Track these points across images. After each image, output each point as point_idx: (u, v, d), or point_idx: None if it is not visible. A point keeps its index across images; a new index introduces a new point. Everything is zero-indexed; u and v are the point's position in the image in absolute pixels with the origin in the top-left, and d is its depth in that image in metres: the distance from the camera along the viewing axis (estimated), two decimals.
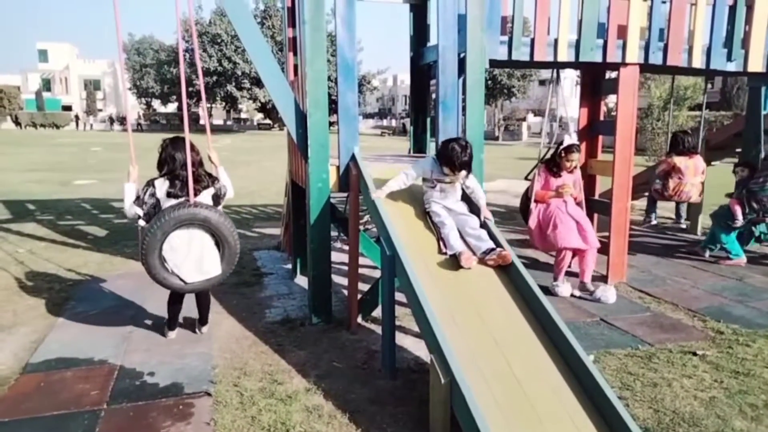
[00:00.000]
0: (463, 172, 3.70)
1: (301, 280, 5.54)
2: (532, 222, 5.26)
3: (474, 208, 3.93)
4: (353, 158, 4.28)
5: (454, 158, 3.61)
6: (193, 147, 3.73)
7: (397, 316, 4.47)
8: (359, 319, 4.38)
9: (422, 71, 5.59)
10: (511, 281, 3.45)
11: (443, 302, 3.15)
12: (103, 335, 4.13)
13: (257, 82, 45.15)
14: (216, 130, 48.45)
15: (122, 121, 52.43)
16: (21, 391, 3.29)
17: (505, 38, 4.76)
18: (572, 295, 5.06)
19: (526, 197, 5.60)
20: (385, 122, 64.29)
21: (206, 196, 3.77)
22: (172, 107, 57.57)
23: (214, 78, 45.24)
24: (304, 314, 4.59)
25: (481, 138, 4.57)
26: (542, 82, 50.31)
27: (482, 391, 2.59)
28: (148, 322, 4.40)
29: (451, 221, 3.72)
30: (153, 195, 3.67)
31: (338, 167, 4.33)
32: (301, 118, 4.24)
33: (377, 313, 4.48)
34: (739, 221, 6.08)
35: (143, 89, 52.86)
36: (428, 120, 5.67)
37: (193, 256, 3.62)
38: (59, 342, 4.01)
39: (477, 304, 3.26)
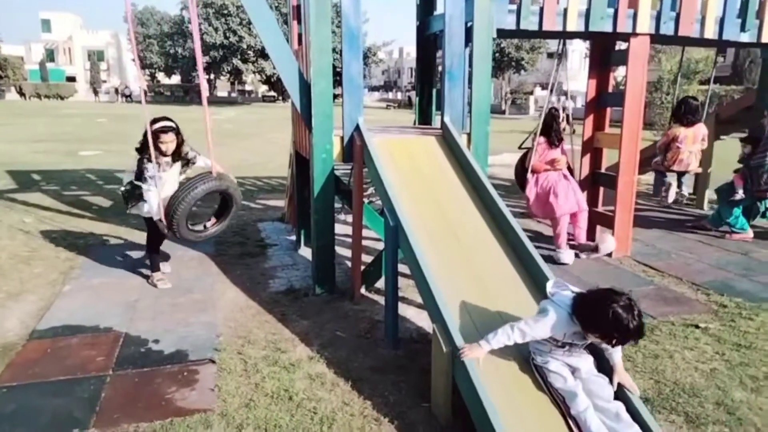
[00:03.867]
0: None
1: (305, 252, 5.55)
2: (530, 192, 5.32)
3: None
4: (357, 129, 4.24)
5: (618, 333, 2.30)
6: (177, 131, 4.30)
7: (400, 287, 4.49)
8: (362, 290, 4.40)
9: (428, 41, 5.50)
10: (515, 253, 3.44)
11: (446, 273, 3.15)
12: (109, 303, 4.17)
13: (263, 54, 44.71)
14: (220, 102, 48.18)
15: (126, 93, 52.08)
16: (28, 357, 3.34)
17: (514, 7, 4.66)
18: (577, 255, 5.35)
19: (522, 166, 5.52)
20: (390, 95, 63.66)
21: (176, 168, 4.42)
22: (176, 79, 57.17)
23: (220, 52, 44.80)
24: (307, 285, 4.61)
25: (488, 110, 4.51)
26: (551, 55, 49.56)
27: (484, 362, 2.60)
28: (154, 291, 4.43)
29: (581, 392, 2.45)
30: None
31: (342, 138, 4.29)
32: (305, 87, 4.19)
33: (380, 284, 4.51)
34: (739, 195, 6.08)
35: (147, 62, 52.43)
36: (434, 92, 5.59)
37: None
38: (65, 310, 4.05)
39: (480, 275, 3.26)
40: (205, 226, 4.52)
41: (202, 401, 2.88)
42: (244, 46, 43.86)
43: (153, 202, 4.20)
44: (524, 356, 2.70)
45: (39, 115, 28.93)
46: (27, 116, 27.59)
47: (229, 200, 4.45)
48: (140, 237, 6.00)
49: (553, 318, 2.43)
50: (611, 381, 2.51)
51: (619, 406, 2.41)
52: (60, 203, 7.64)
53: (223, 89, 61.22)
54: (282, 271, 5.01)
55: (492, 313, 2.97)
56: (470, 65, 4.46)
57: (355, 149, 4.22)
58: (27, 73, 56.79)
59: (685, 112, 6.17)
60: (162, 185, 4.20)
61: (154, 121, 4.22)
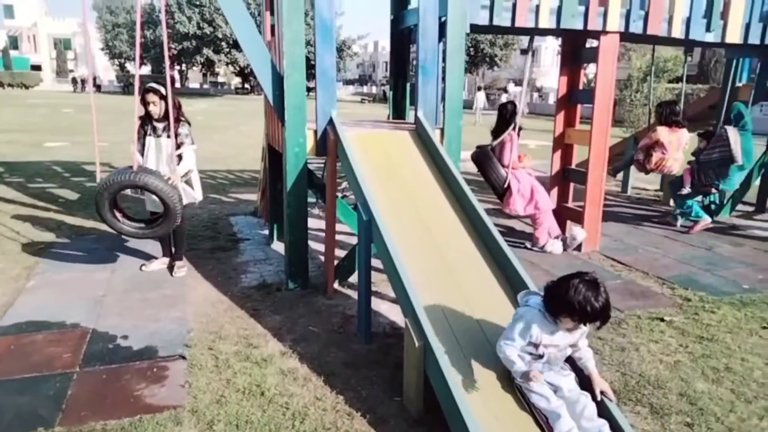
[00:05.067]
0: (585, 328, 2.47)
1: (278, 246, 5.51)
2: (515, 188, 5.35)
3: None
4: (331, 122, 4.21)
5: (585, 305, 2.29)
6: (163, 97, 4.36)
7: (374, 282, 4.47)
8: (336, 285, 4.39)
9: (402, 35, 5.49)
10: (487, 247, 3.47)
11: (419, 267, 3.16)
12: (75, 299, 4.07)
13: (236, 45, 44.02)
14: (192, 93, 47.35)
15: (88, 82, 50.74)
16: None
17: (487, 2, 4.69)
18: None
19: (485, 160, 5.47)
20: (365, 89, 63.55)
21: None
22: (146, 69, 55.98)
23: (193, 43, 44.01)
24: (280, 279, 4.58)
25: (460, 104, 4.54)
26: (524, 51, 50.13)
27: (456, 356, 2.63)
28: (123, 286, 4.35)
29: (566, 412, 2.38)
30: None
31: (316, 131, 4.26)
32: (278, 79, 4.15)
33: (354, 278, 4.50)
34: (686, 189, 6.28)
35: (116, 51, 51.21)
36: (408, 86, 5.60)
37: None
38: (30, 306, 3.95)
39: (453, 269, 3.28)
40: (142, 227, 4.32)
41: (172, 398, 2.84)
42: (219, 36, 43.14)
43: (134, 159, 4.20)
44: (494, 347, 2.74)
45: (2, 104, 28.00)
46: None
47: (161, 201, 4.13)
48: (108, 230, 5.88)
49: (523, 318, 2.49)
50: (593, 395, 2.47)
51: (603, 424, 2.37)
52: (24, 196, 7.43)
53: (195, 81, 60.27)
54: (254, 265, 4.97)
55: (463, 307, 3.00)
56: (444, 60, 4.48)
57: (328, 143, 4.19)
58: None
59: (669, 114, 6.11)
60: (147, 151, 4.40)
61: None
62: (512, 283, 3.19)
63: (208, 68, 50.78)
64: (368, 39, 67.82)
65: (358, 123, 5.22)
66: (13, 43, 61.82)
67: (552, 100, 38.59)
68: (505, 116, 5.41)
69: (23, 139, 13.84)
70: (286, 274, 4.44)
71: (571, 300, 2.30)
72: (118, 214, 4.23)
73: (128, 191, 4.37)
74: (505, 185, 5.31)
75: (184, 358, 3.26)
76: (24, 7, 62.47)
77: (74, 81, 51.40)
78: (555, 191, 6.04)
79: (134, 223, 4.31)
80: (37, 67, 59.55)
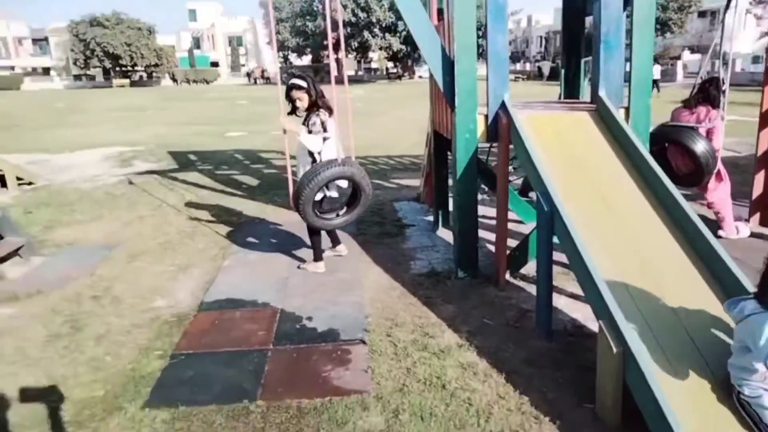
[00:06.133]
0: None
1: (444, 233, 5.50)
2: (725, 175, 4.87)
3: None
4: (503, 106, 4.04)
5: None
6: (306, 90, 4.25)
7: None
8: (507, 276, 4.25)
9: (576, 8, 5.08)
10: (686, 237, 3.09)
11: (610, 262, 2.91)
12: (264, 279, 4.43)
13: (389, 29, 45.09)
14: (348, 80, 49.41)
15: (262, 75, 55.37)
16: (200, 328, 3.65)
17: None
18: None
19: (689, 137, 4.69)
20: (518, 66, 61.13)
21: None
22: (306, 59, 59.61)
23: (348, 30, 45.87)
24: (449, 268, 4.55)
25: (649, 82, 4.09)
26: (702, 14, 44.60)
27: (661, 364, 2.37)
28: (303, 270, 4.63)
29: None
30: (324, 122, 4.20)
31: (486, 116, 4.13)
32: (448, 64, 4.06)
33: (526, 269, 4.34)
34: None
35: (279, 43, 55.17)
36: (582, 62, 5.19)
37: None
38: (227, 284, 4.38)
39: (648, 264, 2.97)
40: (337, 214, 4.41)
41: (357, 382, 2.95)
42: (373, 20, 44.44)
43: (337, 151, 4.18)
44: (707, 359, 2.42)
45: (188, 99, 31.73)
46: (179, 100, 30.40)
47: (357, 189, 4.26)
48: (286, 215, 6.35)
49: (756, 324, 2.14)
50: None
51: None
52: (214, 182, 8.31)
53: (349, 68, 62.79)
54: (422, 252, 5.00)
55: (662, 305, 2.71)
56: (628, 32, 4.05)
57: (500, 127, 4.03)
58: (178, 61, 62.56)
59: None
60: (301, 144, 4.26)
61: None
62: (716, 276, 2.80)
63: (362, 55, 52.61)
64: (521, 14, 65.03)
65: (528, 105, 4.96)
66: (196, 43, 69.74)
67: (740, 67, 33.81)
68: (712, 94, 4.75)
69: (208, 130, 15.52)
70: (456, 263, 4.40)
71: None
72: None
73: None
74: (715, 170, 4.71)
75: (364, 342, 3.37)
76: (204, 10, 69.96)
77: (248, 74, 56.57)
78: (762, 175, 5.23)
79: (329, 215, 4.35)
80: (215, 64, 66.58)
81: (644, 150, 3.60)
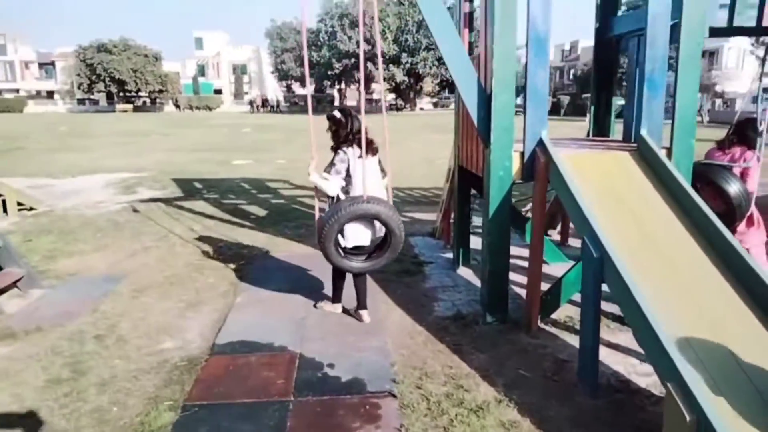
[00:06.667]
0: None
1: (464, 272, 5.26)
2: (756, 219, 4.56)
3: None
4: (541, 143, 3.85)
5: None
6: (332, 121, 3.91)
7: (575, 319, 4.03)
8: (538, 322, 3.99)
9: (609, 44, 4.95)
10: (745, 288, 2.85)
11: (672, 316, 2.66)
12: (279, 319, 4.16)
13: (393, 61, 45.62)
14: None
15: (263, 103, 55.86)
16: (213, 374, 3.36)
17: (726, 1, 4.00)
18: None
19: (723, 177, 4.50)
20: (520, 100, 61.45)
21: (375, 161, 3.93)
22: (310, 89, 60.06)
23: (352, 60, 46.43)
24: (475, 310, 4.30)
25: (693, 121, 3.92)
26: (701, 54, 45.21)
27: None
28: (319, 310, 4.36)
29: None
30: (345, 161, 3.79)
31: (522, 153, 3.93)
32: (484, 99, 3.88)
33: (557, 315, 4.09)
34: None
35: (284, 72, 55.78)
36: (613, 100, 5.04)
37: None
38: (239, 323, 4.10)
39: (711, 316, 2.73)
40: (369, 256, 3.93)
41: None
42: (377, 52, 45.01)
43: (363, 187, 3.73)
44: None
45: (192, 125, 31.76)
46: (182, 127, 30.41)
47: (387, 230, 3.77)
48: (298, 248, 6.11)
49: None
50: None
51: None
52: (221, 212, 8.07)
53: (352, 98, 63.33)
54: (444, 292, 4.74)
55: (731, 363, 2.45)
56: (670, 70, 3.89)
57: (537, 166, 3.83)
58: (182, 87, 63.10)
59: None
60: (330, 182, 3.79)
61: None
62: None
63: (365, 85, 53.18)
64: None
65: (559, 142, 4.78)
66: (201, 70, 70.45)
67: (738, 106, 34.07)
68: (749, 135, 4.56)
69: (213, 157, 15.36)
70: (483, 306, 4.14)
71: None
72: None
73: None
74: (747, 213, 4.49)
75: (393, 395, 3.09)
76: (211, 38, 70.88)
77: (251, 103, 56.90)
78: None
79: (355, 257, 3.90)
80: (218, 91, 67.12)
81: (694, 193, 3.39)
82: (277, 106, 56.14)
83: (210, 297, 4.65)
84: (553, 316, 4.08)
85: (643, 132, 3.90)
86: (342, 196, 3.81)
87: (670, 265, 3.06)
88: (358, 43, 44.20)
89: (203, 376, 3.33)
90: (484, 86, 3.91)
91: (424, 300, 4.57)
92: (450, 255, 5.74)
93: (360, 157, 3.74)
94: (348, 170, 3.76)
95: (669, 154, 3.93)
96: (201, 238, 6.48)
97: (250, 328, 4.02)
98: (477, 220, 5.99)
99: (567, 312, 4.17)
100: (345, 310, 4.27)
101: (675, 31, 3.82)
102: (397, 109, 53.60)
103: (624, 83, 4.46)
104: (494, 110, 3.79)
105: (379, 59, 3.99)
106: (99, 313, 4.29)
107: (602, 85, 5.08)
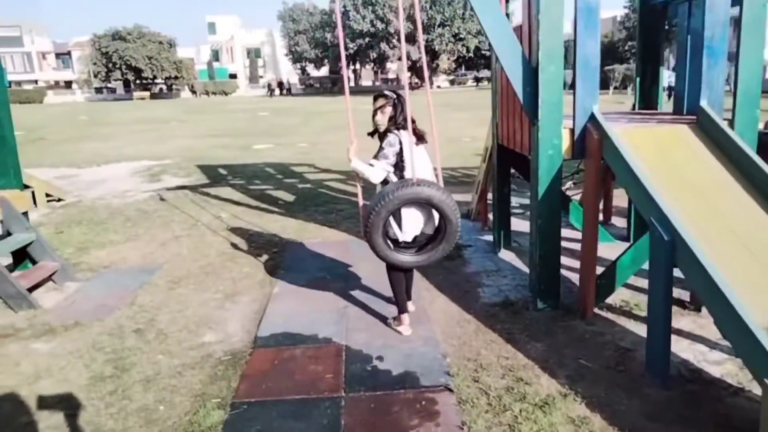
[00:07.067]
0: None
1: (506, 255, 5.07)
2: None
3: None
4: (592, 119, 3.62)
5: None
6: (392, 102, 3.45)
7: (637, 304, 3.85)
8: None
9: (654, 11, 4.66)
10: None
11: (751, 303, 2.45)
12: (320, 309, 4.03)
13: (409, 40, 44.87)
14: (365, 91, 49.15)
15: (280, 86, 55.47)
16: (258, 368, 3.24)
17: None
18: None
19: None
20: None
21: (424, 149, 3.47)
22: (324, 70, 59.59)
23: (366, 40, 45.81)
24: (523, 296, 4.12)
25: (758, 91, 3.64)
26: None
27: None
28: (361, 297, 4.22)
29: None
30: (396, 145, 3.34)
31: (572, 130, 3.70)
32: (530, 73, 3.65)
33: (612, 299, 3.90)
34: None
35: (298, 54, 55.27)
36: (661, 70, 4.76)
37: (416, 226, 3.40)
38: (280, 314, 3.98)
39: None
40: (418, 249, 3.46)
41: None
42: (391, 30, 44.22)
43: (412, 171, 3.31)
44: None
45: (210, 111, 31.68)
46: (200, 113, 30.35)
47: (441, 217, 3.34)
48: (330, 234, 5.98)
49: None
50: None
51: None
52: (248, 198, 7.95)
53: (367, 78, 62.75)
54: (488, 277, 4.57)
55: None
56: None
57: (588, 143, 3.61)
58: (197, 73, 63.01)
59: None
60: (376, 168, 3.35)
61: None
62: None
63: (379, 65, 52.44)
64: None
65: (609, 117, 4.53)
66: (215, 55, 70.24)
67: None
68: None
69: (234, 143, 15.25)
70: (534, 292, 3.96)
71: None
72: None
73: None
74: None
75: (450, 390, 2.94)
76: (224, 23, 70.48)
77: (269, 86, 56.23)
78: None
79: (406, 250, 3.45)
80: (233, 76, 66.90)
81: (763, 164, 3.14)
82: (289, 89, 55.49)
83: (247, 287, 4.54)
84: (608, 300, 3.89)
85: (703, 103, 3.64)
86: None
87: (747, 246, 2.84)
88: (371, 22, 43.49)
89: (249, 372, 3.22)
90: (530, 59, 3.67)
91: (467, 286, 4.40)
92: (489, 237, 5.55)
93: (412, 143, 3.32)
94: (401, 156, 3.33)
95: (731, 126, 3.67)
96: (231, 226, 6.37)
97: (292, 318, 3.90)
98: (514, 201, 5.78)
99: (622, 296, 3.98)
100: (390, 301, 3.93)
101: None
102: (413, 88, 52.95)
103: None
104: (542, 84, 3.56)
105: (420, 30, 3.53)
106: (137, 306, 4.20)
107: (648, 56, 4.78)
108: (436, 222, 3.39)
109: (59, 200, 7.94)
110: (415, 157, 3.30)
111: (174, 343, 3.60)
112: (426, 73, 3.60)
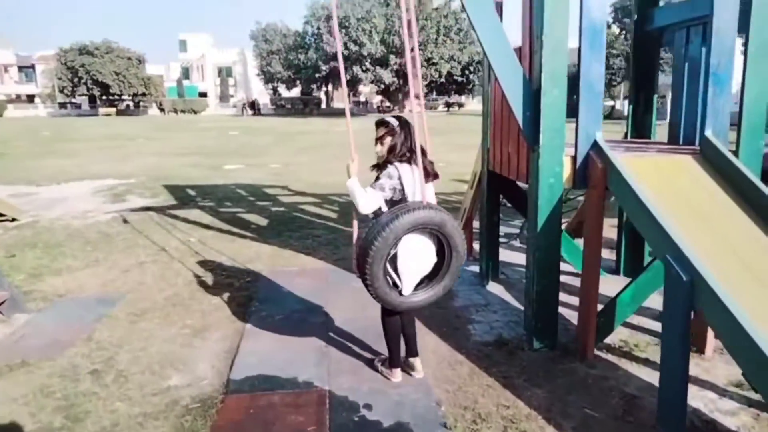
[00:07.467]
0: None
1: (495, 288, 4.83)
2: None
3: None
4: (596, 147, 3.43)
5: None
6: (390, 130, 3.05)
7: (637, 345, 3.63)
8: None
9: (650, 38, 4.55)
10: None
11: None
12: (299, 349, 3.68)
13: (380, 63, 45.13)
14: (337, 113, 49.16)
15: (252, 106, 55.00)
16: (231, 419, 2.88)
17: None
18: None
19: None
20: None
21: (432, 188, 3.10)
22: (296, 91, 59.35)
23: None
24: (517, 334, 3.86)
25: (763, 121, 3.51)
26: None
27: None
28: (343, 334, 3.89)
29: None
30: (395, 178, 2.93)
31: (574, 158, 3.50)
32: (531, 96, 3.45)
33: (610, 339, 3.67)
34: None
35: (270, 74, 54.96)
36: (655, 99, 4.64)
37: (422, 267, 2.98)
38: (254, 354, 3.62)
39: None
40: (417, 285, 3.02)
41: None
42: (364, 53, 44.34)
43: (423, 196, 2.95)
44: None
45: (178, 129, 31.02)
46: (168, 130, 29.67)
47: (448, 247, 2.95)
48: (307, 261, 5.65)
49: None
50: None
51: None
52: (219, 221, 7.55)
53: (339, 101, 62.75)
54: (477, 313, 4.30)
55: None
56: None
57: (591, 172, 3.41)
58: (166, 90, 61.98)
59: None
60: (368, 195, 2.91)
61: None
62: None
63: (351, 87, 52.55)
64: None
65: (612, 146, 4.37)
66: (185, 73, 69.35)
67: None
68: None
69: (204, 161, 14.78)
70: (529, 330, 3.70)
71: None
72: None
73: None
74: None
75: None
76: (195, 41, 69.83)
77: (242, 105, 55.57)
78: None
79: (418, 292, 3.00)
80: (203, 94, 66.08)
81: None
82: (259, 108, 55.01)
83: (217, 321, 4.16)
84: (606, 340, 3.67)
85: (708, 133, 3.49)
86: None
87: (761, 280, 2.64)
88: (345, 44, 43.51)
89: (221, 422, 2.85)
90: (531, 83, 3.47)
91: (456, 322, 4.13)
92: (474, 268, 5.30)
93: (420, 178, 2.94)
94: (403, 192, 2.93)
95: (735, 156, 3.52)
96: (200, 252, 5.97)
97: (268, 358, 3.54)
98: (502, 230, 5.56)
99: (620, 335, 3.76)
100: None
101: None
102: (384, 112, 53.19)
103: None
104: (544, 108, 3.36)
105: (416, 47, 3.12)
106: (93, 342, 3.78)
107: (642, 83, 4.66)
108: (434, 257, 3.00)
109: (13, 220, 7.39)
110: (426, 191, 2.94)
111: (135, 388, 3.20)
112: (420, 93, 3.31)
